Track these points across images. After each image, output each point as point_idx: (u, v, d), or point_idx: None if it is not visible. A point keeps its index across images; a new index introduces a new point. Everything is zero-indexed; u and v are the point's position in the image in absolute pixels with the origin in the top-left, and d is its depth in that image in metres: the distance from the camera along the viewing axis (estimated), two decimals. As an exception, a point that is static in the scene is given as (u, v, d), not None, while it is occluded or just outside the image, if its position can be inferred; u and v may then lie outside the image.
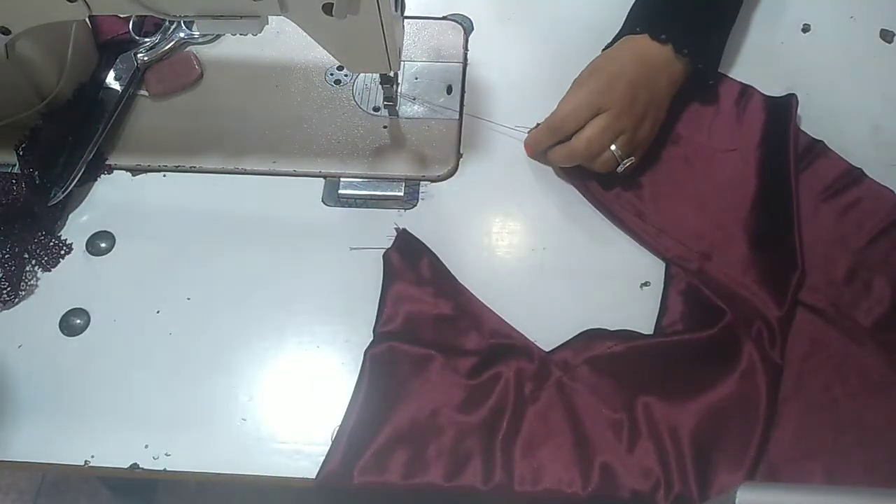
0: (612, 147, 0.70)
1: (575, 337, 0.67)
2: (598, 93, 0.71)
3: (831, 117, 0.79)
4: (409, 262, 0.70)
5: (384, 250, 0.70)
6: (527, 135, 0.76)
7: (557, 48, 0.81)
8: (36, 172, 0.72)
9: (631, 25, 0.76)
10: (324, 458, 0.61)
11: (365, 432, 0.62)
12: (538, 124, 0.75)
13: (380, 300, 0.68)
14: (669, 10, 0.76)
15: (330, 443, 0.62)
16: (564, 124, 0.71)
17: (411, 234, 0.71)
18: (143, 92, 0.79)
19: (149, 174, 0.76)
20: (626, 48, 0.74)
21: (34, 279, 0.70)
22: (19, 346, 0.67)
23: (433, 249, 0.71)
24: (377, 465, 0.61)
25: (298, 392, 0.65)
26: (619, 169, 0.72)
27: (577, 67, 0.74)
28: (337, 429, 0.62)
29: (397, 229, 0.72)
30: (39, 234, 0.71)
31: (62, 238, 0.71)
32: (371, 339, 0.66)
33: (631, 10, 0.78)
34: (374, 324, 0.67)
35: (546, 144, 0.74)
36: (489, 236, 0.73)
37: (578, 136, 0.71)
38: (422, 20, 0.84)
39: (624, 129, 0.71)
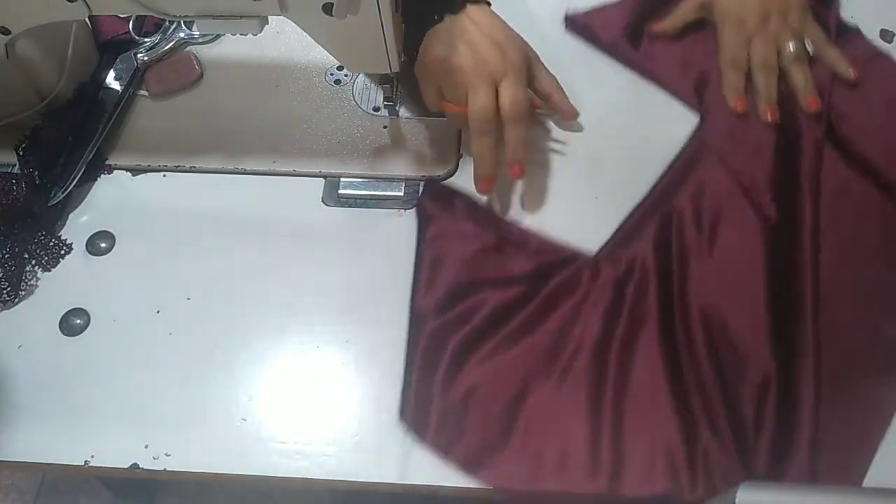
0: None
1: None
2: None
3: (831, 117, 0.78)
4: (443, 203, 0.71)
5: (416, 203, 0.72)
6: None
7: (555, 41, 0.81)
8: (36, 172, 0.72)
9: None
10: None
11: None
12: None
13: (415, 264, 0.68)
14: None
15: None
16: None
17: (439, 182, 0.73)
18: (143, 92, 0.79)
19: (149, 174, 0.76)
20: None
21: (34, 279, 0.70)
22: (19, 346, 0.67)
23: (433, 249, 0.71)
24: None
25: (298, 392, 0.65)
26: None
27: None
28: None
29: (423, 179, 0.73)
30: (39, 234, 0.71)
31: (62, 238, 0.71)
32: (407, 324, 0.66)
33: None
34: (410, 297, 0.67)
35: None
36: (489, 236, 0.73)
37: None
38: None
39: None
